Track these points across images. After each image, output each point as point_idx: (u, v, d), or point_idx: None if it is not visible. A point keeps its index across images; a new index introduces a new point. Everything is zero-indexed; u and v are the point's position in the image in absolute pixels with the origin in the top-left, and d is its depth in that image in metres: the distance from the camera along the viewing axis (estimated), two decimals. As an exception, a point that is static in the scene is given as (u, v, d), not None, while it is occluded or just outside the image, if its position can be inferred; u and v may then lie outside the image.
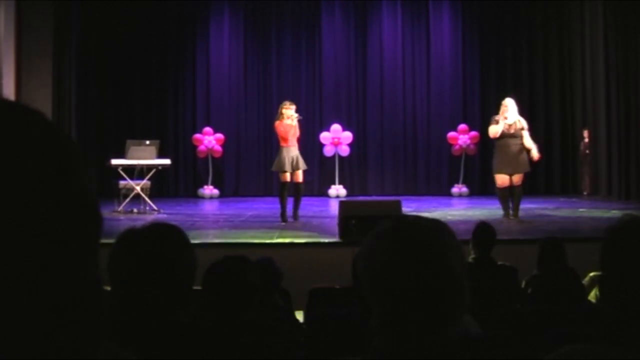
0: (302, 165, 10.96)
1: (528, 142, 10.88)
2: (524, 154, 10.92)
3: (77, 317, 0.69)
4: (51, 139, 0.70)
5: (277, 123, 11.01)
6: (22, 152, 0.67)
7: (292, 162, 10.85)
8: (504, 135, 10.81)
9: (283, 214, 10.96)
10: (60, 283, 0.67)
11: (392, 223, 1.57)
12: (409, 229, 1.53)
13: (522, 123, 10.91)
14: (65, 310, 0.67)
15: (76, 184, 0.70)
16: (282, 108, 11.03)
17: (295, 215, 11.06)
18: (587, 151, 15.59)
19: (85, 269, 0.69)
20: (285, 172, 10.88)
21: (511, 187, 10.95)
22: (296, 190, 11.08)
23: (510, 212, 10.99)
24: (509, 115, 10.83)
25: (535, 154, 10.95)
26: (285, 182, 10.95)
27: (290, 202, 11.02)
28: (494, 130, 10.86)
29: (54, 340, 0.67)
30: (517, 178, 10.92)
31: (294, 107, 11.05)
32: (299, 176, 11.00)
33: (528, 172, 11.18)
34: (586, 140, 15.64)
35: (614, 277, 1.79)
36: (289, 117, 10.89)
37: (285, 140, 10.86)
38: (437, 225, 1.55)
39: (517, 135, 10.83)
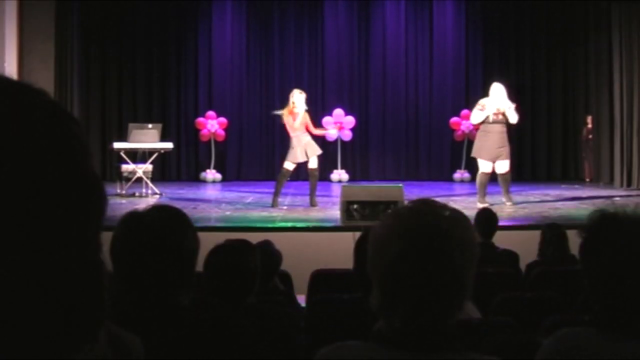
0: (313, 151, 10.76)
1: (512, 119, 10.84)
2: (506, 142, 10.86)
3: (80, 299, 0.69)
4: (56, 119, 0.70)
5: (285, 113, 10.86)
6: (28, 132, 0.67)
7: (305, 150, 10.74)
8: (487, 121, 10.78)
9: (275, 199, 10.88)
10: (63, 265, 0.67)
11: (409, 206, 1.57)
12: (420, 216, 1.53)
13: (509, 105, 10.84)
14: (68, 292, 0.68)
15: (81, 165, 0.70)
16: (292, 96, 10.91)
17: (312, 202, 10.92)
18: (590, 136, 15.58)
19: (89, 251, 0.70)
20: (295, 163, 10.82)
21: (495, 174, 10.91)
22: (311, 177, 10.92)
23: (503, 199, 10.99)
24: (495, 102, 10.77)
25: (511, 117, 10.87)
26: (287, 171, 10.83)
27: (294, 188, 10.98)
28: (476, 119, 10.89)
29: (56, 322, 0.67)
30: (501, 166, 10.85)
31: (303, 95, 10.92)
32: (313, 162, 10.82)
33: (510, 159, 11.04)
34: (589, 126, 15.63)
35: (593, 271, 1.81)
36: (298, 106, 10.76)
37: (293, 129, 10.78)
38: (450, 220, 1.53)
39: (502, 122, 10.79)
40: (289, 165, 10.79)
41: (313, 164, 10.83)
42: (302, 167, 11.18)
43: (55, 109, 0.70)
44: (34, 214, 0.65)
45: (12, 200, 0.64)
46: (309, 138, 10.77)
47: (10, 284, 0.64)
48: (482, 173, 10.92)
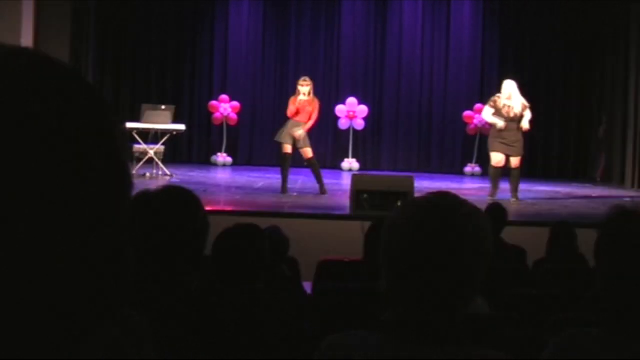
0: (302, 143, 10.85)
1: (526, 121, 10.80)
2: (520, 138, 10.86)
3: (108, 276, 0.70)
4: (91, 99, 0.70)
5: (292, 98, 11.04)
6: (68, 112, 0.67)
7: (292, 137, 10.80)
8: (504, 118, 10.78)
9: (283, 185, 10.93)
10: (94, 243, 0.68)
11: (428, 197, 1.57)
12: (436, 208, 1.53)
13: (524, 103, 10.82)
14: (95, 272, 0.68)
15: (115, 148, 0.70)
16: (298, 85, 11.04)
17: (321, 189, 10.98)
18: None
19: (116, 232, 0.70)
20: (283, 143, 10.87)
21: (507, 169, 10.90)
22: (310, 166, 11.03)
23: (509, 196, 10.93)
24: (511, 100, 10.76)
25: (525, 125, 10.82)
26: (286, 154, 10.91)
27: (304, 175, 11.01)
28: (486, 116, 11.02)
29: (80, 299, 0.68)
30: (514, 161, 10.85)
31: (307, 83, 11.00)
32: (308, 153, 10.91)
33: (523, 155, 11.05)
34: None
35: (609, 269, 1.80)
36: (303, 93, 10.87)
37: (293, 115, 10.85)
38: (466, 216, 1.52)
39: (514, 120, 10.76)
40: (284, 147, 10.87)
41: (308, 153, 10.88)
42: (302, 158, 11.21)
43: (92, 91, 0.71)
44: (71, 194, 0.66)
45: (49, 180, 0.65)
46: (302, 131, 10.81)
47: (45, 260, 0.65)
48: (493, 166, 10.92)
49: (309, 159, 10.95)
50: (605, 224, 1.81)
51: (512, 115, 10.72)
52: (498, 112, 10.80)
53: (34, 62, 0.69)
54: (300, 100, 10.83)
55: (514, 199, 10.81)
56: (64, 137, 0.66)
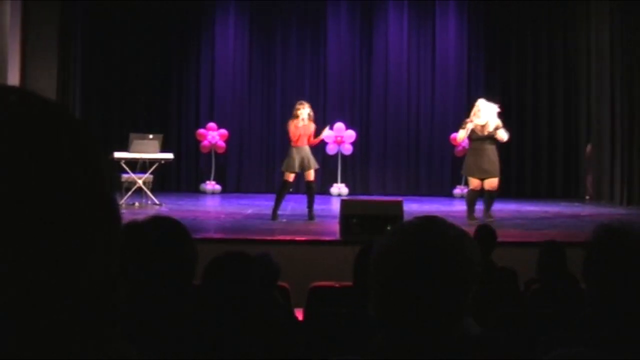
0: (313, 164, 10.85)
1: (501, 135, 10.78)
2: (496, 158, 10.85)
3: (97, 308, 0.70)
4: (78, 134, 0.71)
5: (290, 122, 10.94)
6: (53, 146, 0.68)
7: (302, 162, 10.78)
8: (477, 138, 10.80)
9: (275, 212, 10.88)
10: (84, 275, 0.69)
11: (415, 221, 1.58)
12: (424, 232, 1.53)
13: (497, 122, 10.83)
14: (86, 301, 0.69)
15: (100, 183, 0.71)
16: (297, 109, 10.96)
17: (310, 215, 10.94)
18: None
19: (107, 263, 0.71)
20: (292, 173, 10.85)
21: (483, 191, 10.90)
22: (308, 189, 10.99)
23: (477, 215, 10.86)
24: (481, 117, 10.80)
25: (502, 136, 10.79)
26: (287, 182, 10.88)
27: (293, 201, 10.98)
28: (459, 137, 11.30)
29: (69, 334, 0.68)
30: (490, 183, 10.81)
31: (307, 106, 11.00)
32: (311, 175, 10.88)
33: (498, 176, 10.96)
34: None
35: (597, 288, 1.81)
36: (303, 118, 10.82)
37: (295, 140, 10.83)
38: (454, 239, 1.53)
39: (489, 138, 10.77)
40: (288, 176, 10.84)
41: (311, 175, 10.88)
42: (301, 180, 11.20)
43: (78, 126, 0.72)
44: (58, 227, 0.66)
45: (36, 218, 0.65)
46: (308, 151, 10.82)
47: (34, 290, 0.66)
48: (471, 190, 10.96)
49: (310, 182, 10.93)
50: (592, 243, 1.82)
51: (485, 133, 10.73)
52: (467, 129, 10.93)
53: (24, 99, 0.70)
54: (303, 125, 10.78)
55: (489, 219, 10.58)
56: (51, 172, 0.66)
